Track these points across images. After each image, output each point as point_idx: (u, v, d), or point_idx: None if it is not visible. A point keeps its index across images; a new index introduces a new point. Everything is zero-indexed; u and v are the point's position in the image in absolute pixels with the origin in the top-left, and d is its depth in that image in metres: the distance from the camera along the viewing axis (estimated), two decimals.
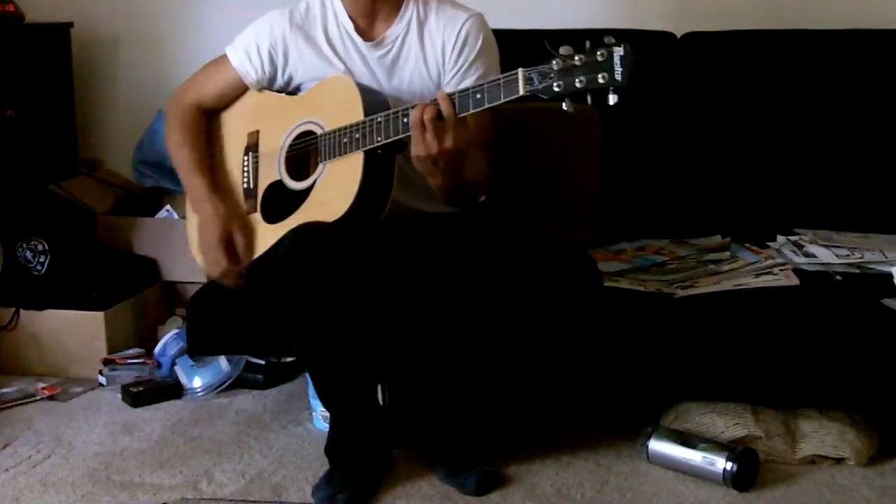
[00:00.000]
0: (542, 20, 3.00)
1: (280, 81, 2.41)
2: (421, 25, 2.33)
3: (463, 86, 2.26)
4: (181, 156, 2.44)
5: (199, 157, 2.44)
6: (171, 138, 2.47)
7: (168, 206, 3.21)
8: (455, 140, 2.06)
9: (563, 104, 1.98)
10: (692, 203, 2.91)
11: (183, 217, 2.69)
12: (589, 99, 1.96)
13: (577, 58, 1.95)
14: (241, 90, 2.46)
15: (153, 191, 3.31)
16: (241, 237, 2.34)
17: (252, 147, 2.41)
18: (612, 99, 1.94)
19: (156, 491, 2.33)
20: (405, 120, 2.11)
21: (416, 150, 2.08)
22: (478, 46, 2.30)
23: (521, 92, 2.00)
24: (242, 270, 2.34)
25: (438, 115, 2.06)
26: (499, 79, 2.03)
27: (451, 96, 2.07)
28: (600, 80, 1.93)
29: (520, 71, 2.00)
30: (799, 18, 2.98)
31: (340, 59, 2.35)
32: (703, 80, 2.93)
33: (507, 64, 2.32)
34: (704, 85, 2.93)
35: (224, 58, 2.45)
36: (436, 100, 2.07)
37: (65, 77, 3.40)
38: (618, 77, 1.92)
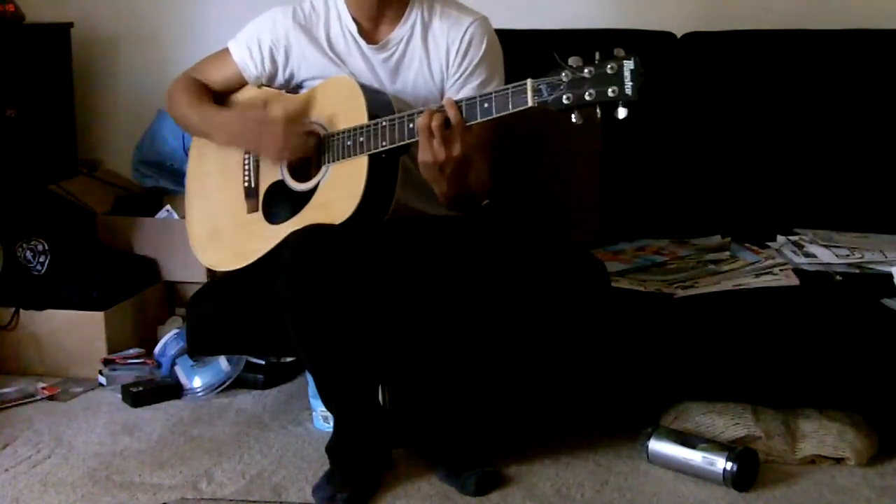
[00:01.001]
0: (542, 20, 3.00)
1: (280, 79, 2.41)
2: (425, 29, 2.32)
3: (466, 89, 2.26)
4: (193, 106, 2.41)
5: (210, 101, 2.42)
6: (177, 102, 2.45)
7: (168, 206, 3.21)
8: (462, 147, 2.05)
9: (573, 116, 1.97)
10: (692, 203, 2.90)
11: (183, 217, 2.69)
12: (598, 111, 1.95)
13: (586, 70, 1.94)
14: (240, 84, 2.45)
15: (153, 191, 3.31)
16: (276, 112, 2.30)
17: None
18: (622, 112, 1.93)
19: (156, 491, 2.33)
20: (411, 125, 2.11)
21: (424, 156, 2.08)
22: (482, 50, 2.30)
23: (530, 103, 1.99)
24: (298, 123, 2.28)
25: (446, 123, 2.05)
26: (507, 89, 2.02)
27: (458, 104, 2.06)
28: (610, 94, 1.92)
29: (529, 82, 1.99)
30: (799, 18, 2.98)
31: (342, 60, 2.34)
32: (703, 80, 2.93)
33: (509, 64, 2.33)
34: (704, 85, 2.93)
35: (226, 51, 2.44)
36: (443, 106, 2.06)
37: (65, 77, 3.40)
38: (628, 91, 1.91)
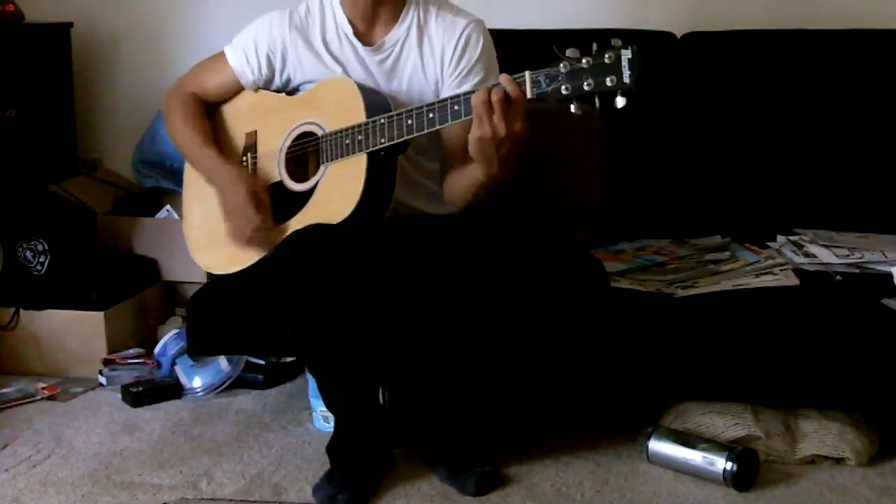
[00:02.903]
0: (542, 20, 3.00)
1: (278, 83, 2.41)
2: (420, 31, 2.32)
3: (462, 89, 2.26)
4: (186, 132, 2.42)
5: (205, 132, 2.43)
6: (172, 121, 2.47)
7: (168, 206, 3.21)
8: (524, 124, 2.02)
9: (572, 106, 1.98)
10: (692, 203, 2.91)
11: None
12: (597, 101, 1.96)
13: (584, 60, 1.94)
14: (237, 89, 2.45)
15: (153, 191, 3.31)
16: (265, 195, 2.31)
17: (250, 147, 2.41)
18: (620, 102, 1.93)
19: (156, 491, 2.33)
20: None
21: (481, 132, 2.02)
22: (478, 50, 2.30)
23: (529, 94, 1.99)
24: (271, 228, 2.30)
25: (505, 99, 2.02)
26: None
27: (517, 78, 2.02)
28: (608, 83, 1.93)
29: (527, 73, 2.00)
30: (799, 18, 2.98)
31: (338, 62, 2.34)
32: (704, 80, 2.93)
33: (509, 64, 2.32)
34: (704, 85, 2.93)
35: (222, 56, 2.44)
36: (498, 83, 2.03)
37: (65, 77, 3.40)
38: (626, 80, 1.92)
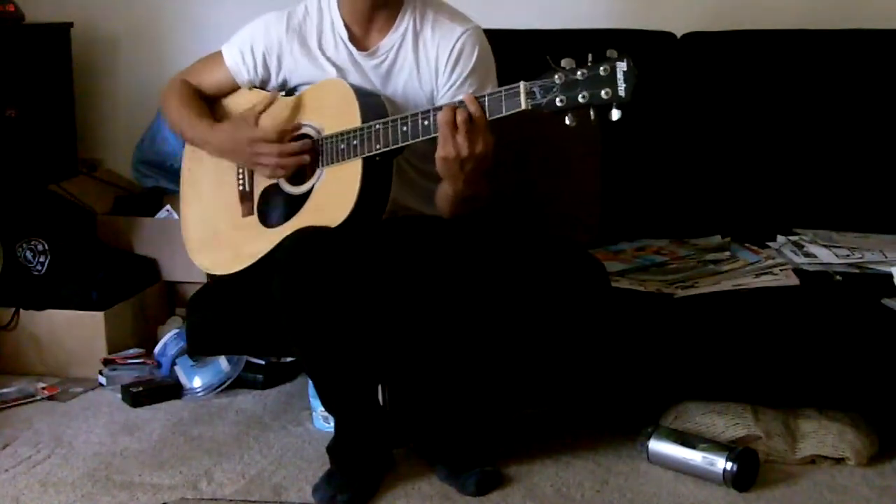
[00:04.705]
0: (542, 20, 3.00)
1: (273, 84, 2.40)
2: (416, 37, 2.30)
3: (457, 100, 2.25)
4: (182, 112, 2.41)
5: (200, 107, 2.41)
6: (170, 105, 2.45)
7: (168, 206, 3.21)
8: (485, 143, 2.04)
9: (566, 118, 1.97)
10: (692, 203, 2.90)
11: None
12: (592, 114, 1.95)
13: (579, 72, 1.94)
14: (232, 88, 2.45)
15: (153, 191, 3.31)
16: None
17: None
18: (616, 114, 1.93)
19: (156, 491, 2.33)
20: (404, 128, 2.10)
21: (445, 151, 2.05)
22: (472, 61, 2.27)
23: (524, 106, 1.99)
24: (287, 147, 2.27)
25: (469, 118, 2.04)
26: (500, 92, 2.02)
27: (479, 99, 2.05)
28: (603, 96, 1.92)
29: (522, 84, 1.99)
30: (799, 18, 2.98)
31: (334, 65, 2.33)
32: (703, 80, 2.93)
33: (509, 65, 2.32)
34: (704, 85, 2.93)
35: (219, 55, 2.44)
36: (462, 102, 2.05)
37: (65, 77, 3.40)
38: (621, 93, 1.91)
